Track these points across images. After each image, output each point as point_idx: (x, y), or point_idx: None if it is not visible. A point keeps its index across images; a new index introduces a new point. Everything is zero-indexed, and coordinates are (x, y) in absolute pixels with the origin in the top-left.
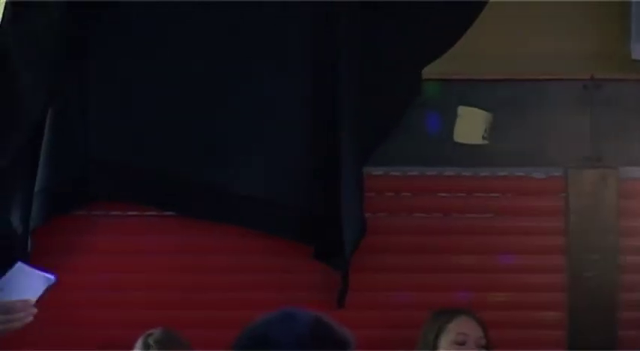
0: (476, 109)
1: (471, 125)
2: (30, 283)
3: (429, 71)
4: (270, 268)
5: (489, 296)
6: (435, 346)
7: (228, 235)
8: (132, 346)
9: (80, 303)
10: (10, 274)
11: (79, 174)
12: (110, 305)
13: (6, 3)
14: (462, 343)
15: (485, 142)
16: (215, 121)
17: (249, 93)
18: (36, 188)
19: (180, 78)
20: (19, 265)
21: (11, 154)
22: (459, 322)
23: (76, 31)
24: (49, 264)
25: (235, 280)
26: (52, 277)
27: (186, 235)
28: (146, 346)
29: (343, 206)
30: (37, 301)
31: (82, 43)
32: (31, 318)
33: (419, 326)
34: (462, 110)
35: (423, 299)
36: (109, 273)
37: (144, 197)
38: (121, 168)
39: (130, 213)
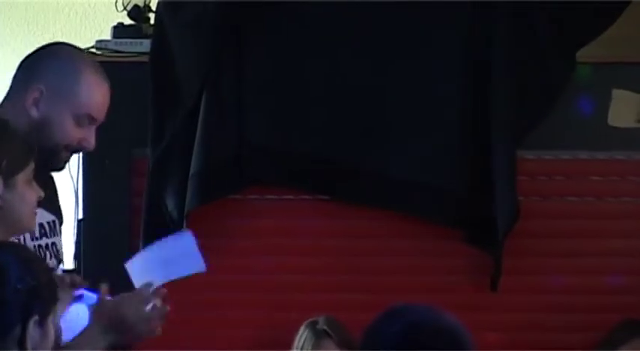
0: (630, 92)
1: (625, 108)
2: (185, 261)
3: (583, 54)
4: (421, 251)
5: None
6: None
7: (380, 218)
8: (287, 329)
9: (235, 286)
10: (177, 236)
11: (233, 157)
12: (264, 288)
13: None
14: None
15: (639, 125)
16: (371, 105)
17: (404, 78)
18: (190, 172)
19: (337, 62)
20: (189, 234)
21: (166, 138)
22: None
23: (231, 17)
24: (203, 247)
25: (387, 264)
26: (204, 266)
27: (339, 219)
28: (317, 333)
29: (497, 190)
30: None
31: (238, 29)
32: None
33: (572, 311)
34: (616, 93)
35: (576, 283)
36: (264, 256)
37: (299, 181)
38: (276, 152)
39: (285, 197)
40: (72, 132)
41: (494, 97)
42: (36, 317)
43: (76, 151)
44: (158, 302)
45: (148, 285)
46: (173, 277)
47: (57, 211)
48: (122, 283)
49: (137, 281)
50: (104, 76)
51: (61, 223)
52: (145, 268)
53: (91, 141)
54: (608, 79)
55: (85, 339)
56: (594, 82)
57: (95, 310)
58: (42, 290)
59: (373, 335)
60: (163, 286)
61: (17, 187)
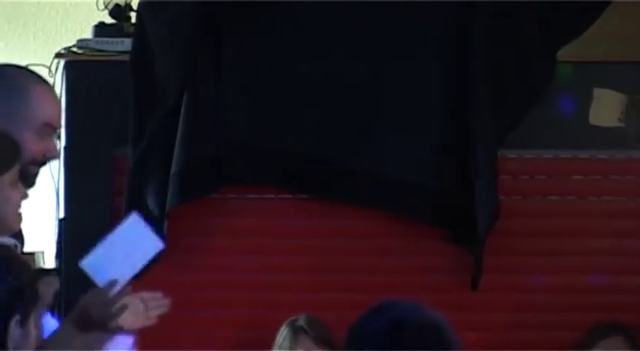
0: (611, 91)
1: (606, 107)
2: (142, 242)
3: (564, 54)
4: (404, 250)
5: (624, 279)
6: None
7: (362, 218)
8: (269, 328)
9: (215, 285)
10: (125, 224)
11: (214, 157)
12: (245, 288)
13: None
14: None
15: (621, 124)
16: (354, 104)
17: (387, 77)
18: (171, 171)
19: (318, 61)
20: (135, 217)
21: (147, 137)
22: (609, 342)
23: (210, 17)
24: (184, 246)
25: (369, 263)
26: (161, 243)
27: (320, 218)
28: (295, 329)
29: (477, 189)
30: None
31: (218, 27)
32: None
33: (553, 310)
34: (597, 92)
35: (557, 282)
36: (245, 255)
37: (279, 180)
38: (256, 151)
39: (266, 196)
40: (35, 146)
41: (475, 97)
42: (17, 317)
43: (43, 163)
44: (128, 299)
45: (112, 283)
46: (138, 265)
47: (18, 236)
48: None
49: (100, 279)
50: (48, 84)
51: (22, 247)
52: (106, 264)
53: (56, 150)
54: (589, 78)
55: (56, 337)
56: (575, 81)
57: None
58: (24, 290)
59: (358, 331)
60: (131, 281)
61: (3, 188)
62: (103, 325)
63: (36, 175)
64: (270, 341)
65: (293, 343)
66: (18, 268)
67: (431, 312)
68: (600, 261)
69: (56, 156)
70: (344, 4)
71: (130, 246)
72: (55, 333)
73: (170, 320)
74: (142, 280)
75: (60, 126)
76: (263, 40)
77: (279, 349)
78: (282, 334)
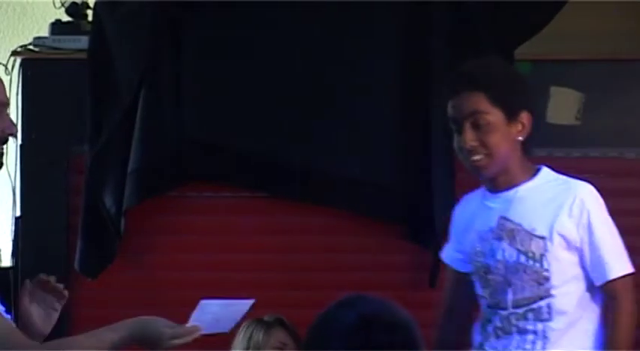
0: (568, 90)
1: (563, 105)
2: (228, 322)
3: (521, 52)
4: (361, 248)
5: None
6: None
7: (319, 215)
8: None
9: (172, 283)
10: (242, 303)
11: (171, 154)
12: (202, 285)
13: None
14: None
15: (578, 122)
16: (309, 103)
17: (343, 76)
18: (129, 169)
19: (275, 60)
20: (248, 304)
21: (105, 135)
22: None
23: (171, 11)
24: (141, 244)
25: (326, 261)
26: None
27: (277, 216)
28: (267, 324)
29: (435, 186)
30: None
31: (177, 24)
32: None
33: None
34: (554, 90)
35: None
36: (202, 253)
37: (237, 178)
38: (215, 148)
39: (223, 194)
40: None
41: (434, 96)
42: None
43: (5, 141)
44: (180, 341)
45: (193, 329)
46: (210, 331)
47: None
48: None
49: (194, 317)
50: None
51: None
52: (206, 313)
53: (13, 125)
54: (546, 76)
55: (109, 329)
56: (532, 79)
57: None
58: None
59: (323, 328)
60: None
61: None
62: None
63: (1, 155)
64: (227, 339)
65: (265, 337)
66: None
67: (399, 309)
68: None
69: (14, 132)
70: (301, 4)
71: (226, 317)
72: (111, 326)
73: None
74: (98, 278)
75: (8, 101)
76: (222, 38)
77: (243, 349)
78: (248, 331)
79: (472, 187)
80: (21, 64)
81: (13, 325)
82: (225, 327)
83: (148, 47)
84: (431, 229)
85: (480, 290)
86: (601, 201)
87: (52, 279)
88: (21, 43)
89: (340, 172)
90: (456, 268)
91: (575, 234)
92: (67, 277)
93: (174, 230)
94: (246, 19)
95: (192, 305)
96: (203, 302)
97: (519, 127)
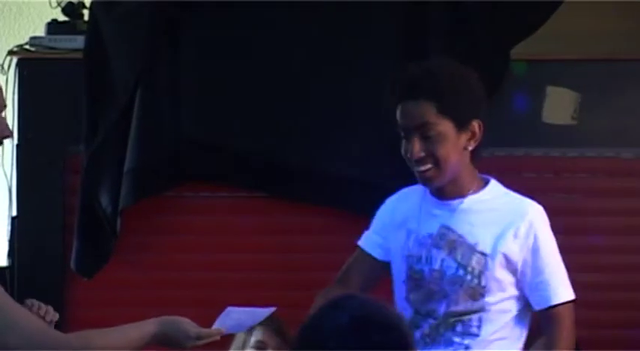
0: (564, 89)
1: (559, 105)
2: (245, 325)
3: (518, 51)
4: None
5: (578, 277)
6: None
7: (318, 215)
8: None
9: (169, 283)
10: (263, 311)
11: (168, 154)
12: (199, 285)
13: None
14: None
15: (574, 122)
16: (308, 103)
17: (341, 76)
18: (125, 168)
19: (273, 60)
20: (269, 312)
21: (101, 134)
22: None
23: (168, 11)
24: (138, 244)
25: (324, 261)
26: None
27: (275, 216)
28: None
29: None
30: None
31: (174, 24)
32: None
33: None
34: (550, 90)
35: None
36: (198, 253)
37: (235, 178)
38: (212, 148)
39: (220, 194)
40: None
41: None
42: None
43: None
44: (203, 342)
45: (216, 331)
46: (229, 331)
47: None
48: (54, 279)
49: (218, 322)
50: None
51: None
52: (230, 319)
53: (8, 127)
54: (542, 76)
55: (134, 326)
56: (529, 79)
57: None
58: None
59: (316, 329)
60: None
61: None
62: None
63: None
64: (224, 339)
65: (247, 336)
66: None
67: (390, 308)
68: None
69: (10, 134)
70: (299, 5)
71: (246, 321)
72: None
73: (123, 318)
74: (93, 278)
75: (5, 104)
76: (220, 38)
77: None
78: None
79: None
80: (17, 64)
81: (41, 323)
82: (242, 328)
83: (144, 47)
84: None
85: (404, 293)
86: (548, 223)
87: (41, 306)
88: (17, 43)
89: (338, 172)
90: (375, 256)
91: (518, 255)
92: (62, 276)
93: (171, 230)
94: (243, 19)
95: (189, 305)
96: (229, 309)
97: (469, 136)
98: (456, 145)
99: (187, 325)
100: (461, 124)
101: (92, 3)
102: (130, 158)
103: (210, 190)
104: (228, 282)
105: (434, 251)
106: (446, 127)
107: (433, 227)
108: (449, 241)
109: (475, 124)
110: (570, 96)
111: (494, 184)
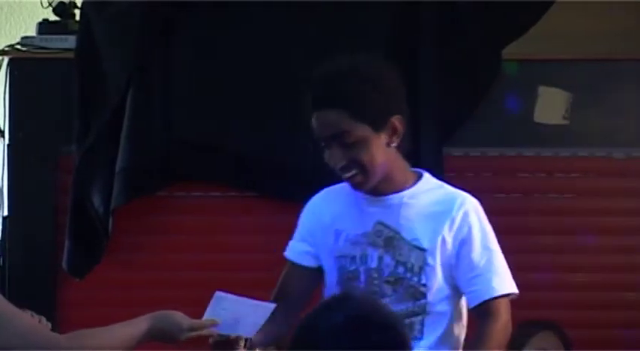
0: (556, 89)
1: (551, 105)
2: (249, 326)
3: (509, 51)
4: None
5: (570, 277)
6: None
7: None
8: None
9: (160, 283)
10: (263, 306)
11: (160, 154)
12: (190, 285)
13: None
14: None
15: (566, 122)
16: (299, 103)
17: None
18: (117, 168)
19: (266, 61)
20: (271, 308)
21: (93, 134)
22: (540, 337)
23: (160, 11)
24: (130, 244)
25: None
26: (253, 333)
27: (267, 216)
28: None
29: None
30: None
31: (167, 24)
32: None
33: None
34: (542, 90)
35: None
36: (190, 253)
37: (226, 178)
38: (204, 148)
39: (212, 194)
40: None
41: (422, 97)
42: None
43: None
44: (197, 334)
45: (209, 321)
46: (228, 332)
47: None
48: (46, 279)
49: (210, 311)
50: None
51: None
52: (224, 309)
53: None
54: (534, 76)
55: (126, 324)
56: (520, 79)
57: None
58: None
59: (311, 330)
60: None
61: None
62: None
63: None
64: None
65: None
66: None
67: (386, 308)
68: (546, 258)
69: (0, 133)
70: (292, 5)
71: (246, 319)
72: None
73: (115, 318)
74: (85, 278)
75: None
76: (212, 38)
77: None
78: None
79: (462, 182)
80: (8, 64)
81: (33, 321)
82: (247, 331)
83: (136, 47)
84: None
85: None
86: (484, 216)
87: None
88: (8, 43)
89: (329, 172)
90: (306, 265)
91: (453, 249)
92: (54, 276)
93: (163, 230)
94: (236, 19)
95: (181, 305)
96: (218, 294)
97: (390, 133)
98: (378, 146)
99: (179, 317)
100: (378, 125)
101: (83, 3)
102: (121, 158)
103: (202, 190)
104: (220, 282)
105: (369, 250)
106: (363, 131)
107: (367, 225)
108: (386, 238)
109: (394, 121)
110: (562, 96)
111: (427, 177)
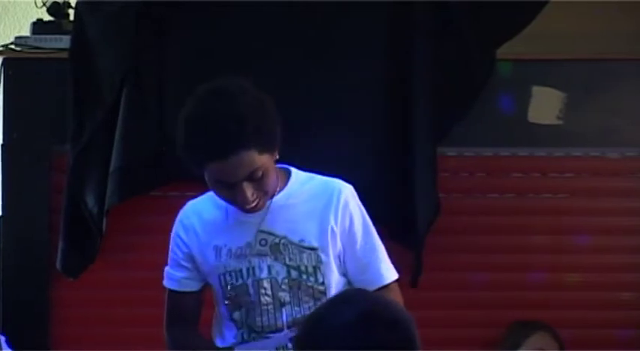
0: (550, 89)
1: (545, 105)
2: None
3: (503, 51)
4: None
5: (564, 277)
6: None
7: None
8: (207, 325)
9: (154, 283)
10: None
11: (155, 154)
12: None
13: None
14: None
15: (560, 122)
16: (293, 104)
17: (328, 77)
18: (111, 168)
19: (259, 60)
20: None
21: (87, 134)
22: (537, 338)
23: (154, 11)
24: (124, 244)
25: None
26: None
27: None
28: None
29: (417, 186)
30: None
31: (161, 24)
32: None
33: (492, 307)
34: (536, 90)
35: (497, 280)
36: None
37: None
38: None
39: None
40: None
41: (416, 97)
42: None
43: None
44: None
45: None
46: None
47: None
48: (40, 279)
49: None
50: None
51: None
52: None
53: None
54: (528, 75)
55: None
56: (514, 79)
57: None
58: None
59: (318, 327)
60: None
61: None
62: None
63: None
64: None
65: None
66: None
67: (397, 305)
68: (540, 258)
69: None
70: (286, 4)
71: None
72: None
73: (109, 317)
74: (79, 278)
75: None
76: (206, 37)
77: None
78: None
79: (454, 186)
80: (2, 64)
81: None
82: None
83: (130, 47)
84: (413, 230)
85: (227, 314)
86: (359, 200)
87: None
88: (2, 43)
89: (323, 171)
90: (190, 290)
91: (340, 239)
92: (48, 276)
93: (157, 230)
94: (230, 20)
95: None
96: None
97: (277, 146)
98: (273, 166)
99: None
100: (273, 149)
101: (77, 3)
102: (115, 158)
103: (196, 190)
104: None
105: (255, 260)
106: (267, 160)
107: (248, 235)
108: (271, 245)
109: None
110: (556, 96)
111: (295, 172)
